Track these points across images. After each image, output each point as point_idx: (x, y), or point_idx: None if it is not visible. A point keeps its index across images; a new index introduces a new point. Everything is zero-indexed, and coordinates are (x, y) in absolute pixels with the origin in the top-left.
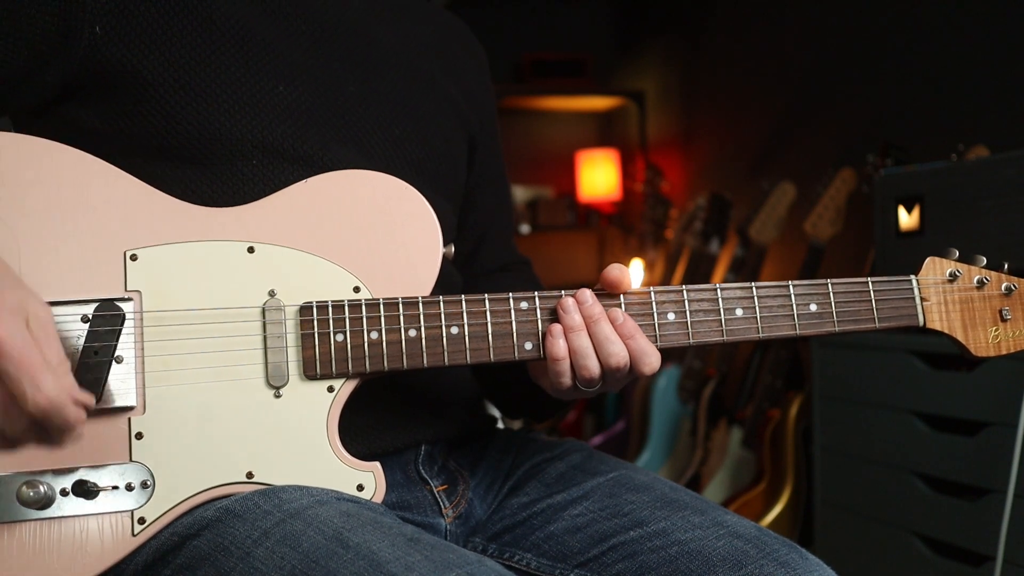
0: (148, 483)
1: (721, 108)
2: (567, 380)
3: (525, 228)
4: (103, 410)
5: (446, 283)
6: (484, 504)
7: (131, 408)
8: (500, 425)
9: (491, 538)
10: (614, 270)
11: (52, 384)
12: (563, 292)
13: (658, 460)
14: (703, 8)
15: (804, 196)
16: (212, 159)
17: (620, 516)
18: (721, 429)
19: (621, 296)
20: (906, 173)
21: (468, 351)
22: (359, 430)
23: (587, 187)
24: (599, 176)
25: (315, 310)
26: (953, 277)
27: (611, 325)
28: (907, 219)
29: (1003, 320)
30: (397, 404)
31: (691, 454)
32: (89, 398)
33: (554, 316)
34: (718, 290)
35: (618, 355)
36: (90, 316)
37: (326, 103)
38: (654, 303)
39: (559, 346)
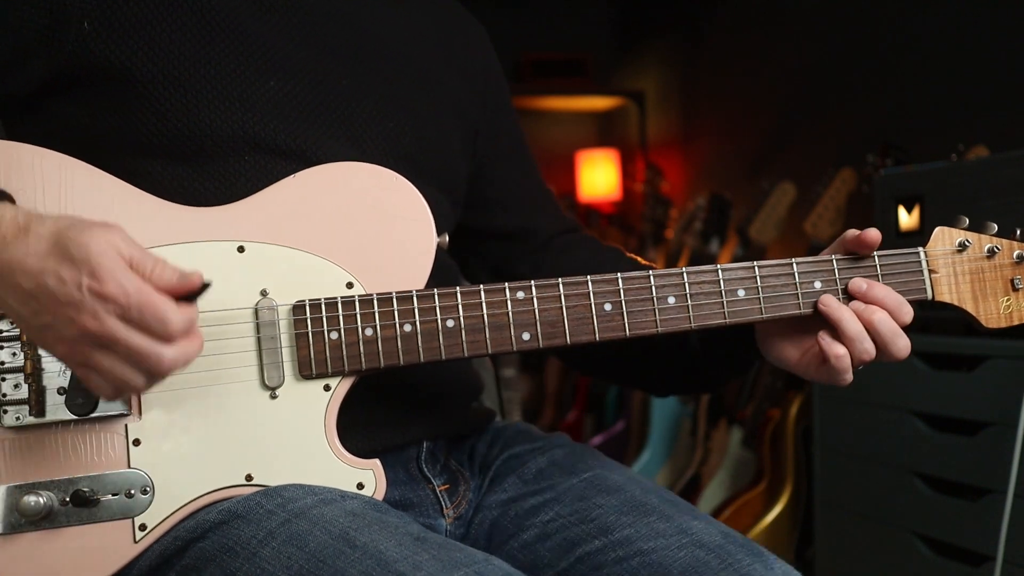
0: (148, 489)
1: (721, 108)
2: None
3: None
4: (99, 418)
5: (441, 275)
6: (475, 501)
7: (127, 415)
8: (498, 419)
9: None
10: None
11: (176, 315)
12: (559, 280)
13: (658, 460)
14: (703, 8)
15: (804, 196)
16: (203, 155)
17: (587, 522)
18: (721, 429)
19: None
20: (906, 173)
21: (465, 344)
22: (359, 427)
23: (587, 187)
24: (599, 176)
25: (308, 308)
26: (963, 247)
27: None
28: (907, 219)
29: (1015, 289)
30: (397, 400)
31: (691, 454)
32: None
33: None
34: (719, 271)
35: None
36: None
37: (318, 98)
38: (653, 287)
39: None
